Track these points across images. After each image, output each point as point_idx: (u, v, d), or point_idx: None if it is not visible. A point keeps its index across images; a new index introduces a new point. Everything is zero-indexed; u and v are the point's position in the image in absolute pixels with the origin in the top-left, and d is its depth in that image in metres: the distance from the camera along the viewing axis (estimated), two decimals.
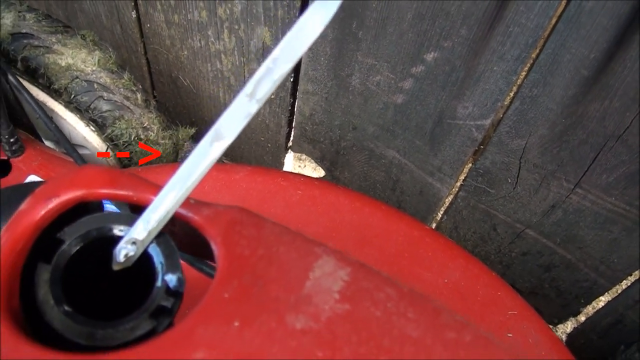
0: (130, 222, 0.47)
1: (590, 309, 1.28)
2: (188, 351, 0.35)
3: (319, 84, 1.14)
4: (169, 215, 0.43)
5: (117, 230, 0.46)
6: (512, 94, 0.94)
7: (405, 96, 1.04)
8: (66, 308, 0.41)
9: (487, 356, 0.42)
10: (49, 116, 1.03)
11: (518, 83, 0.91)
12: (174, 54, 1.34)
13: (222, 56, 1.24)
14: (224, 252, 0.42)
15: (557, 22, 0.81)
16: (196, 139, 1.51)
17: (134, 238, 0.44)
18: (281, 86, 1.20)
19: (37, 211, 0.43)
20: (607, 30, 0.77)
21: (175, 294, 0.44)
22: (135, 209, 0.48)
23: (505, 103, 0.95)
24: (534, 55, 0.86)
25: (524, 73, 0.89)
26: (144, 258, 0.45)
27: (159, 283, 0.44)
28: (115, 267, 0.45)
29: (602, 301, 1.25)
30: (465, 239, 1.28)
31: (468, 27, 0.87)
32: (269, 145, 1.40)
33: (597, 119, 0.88)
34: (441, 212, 1.27)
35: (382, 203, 0.93)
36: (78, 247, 0.45)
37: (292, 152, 1.40)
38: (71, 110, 1.17)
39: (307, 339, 0.38)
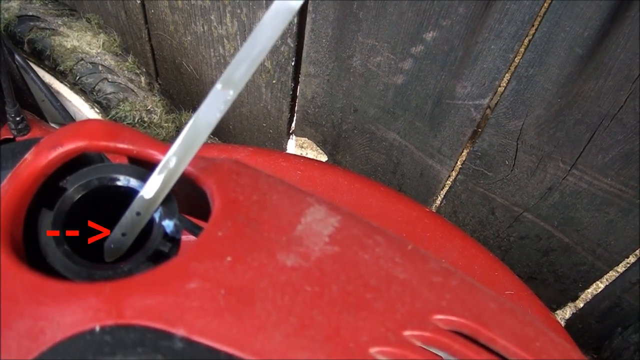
0: (131, 174, 0.48)
1: (588, 295, 1.29)
2: (183, 281, 0.37)
3: (320, 66, 1.16)
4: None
5: (117, 180, 0.48)
6: (508, 74, 0.95)
7: (405, 77, 1.06)
8: (67, 249, 0.43)
9: (473, 299, 0.43)
10: (54, 95, 1.05)
11: (515, 62, 0.93)
12: (177, 40, 1.36)
13: (225, 41, 1.25)
14: (219, 196, 0.43)
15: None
16: None
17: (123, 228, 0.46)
18: (282, 70, 1.22)
19: (41, 158, 0.45)
20: (600, 8, 0.79)
21: (172, 239, 0.46)
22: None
23: (503, 83, 0.97)
24: (530, 33, 0.88)
25: (521, 51, 0.91)
26: None
27: (156, 228, 0.46)
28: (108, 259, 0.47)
29: (599, 287, 1.26)
30: (464, 223, 1.29)
31: (466, 5, 0.88)
32: (271, 131, 1.42)
33: (592, 98, 0.89)
34: (441, 196, 1.28)
35: (381, 184, 0.95)
36: (80, 195, 0.47)
37: (294, 138, 1.41)
38: (76, 92, 1.19)
39: (297, 275, 0.39)
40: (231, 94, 0.42)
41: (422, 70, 1.03)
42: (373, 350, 0.37)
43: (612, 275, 1.21)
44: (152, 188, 0.44)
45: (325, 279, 0.40)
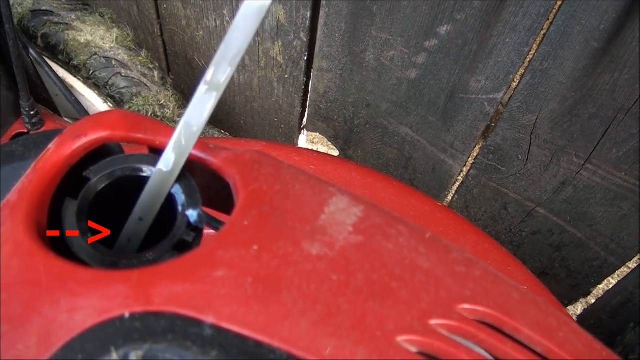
0: (154, 164, 0.48)
1: (600, 291, 1.29)
2: (210, 269, 0.37)
3: (333, 61, 1.16)
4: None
5: (140, 170, 0.48)
6: (523, 68, 0.95)
7: (419, 71, 1.05)
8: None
9: (497, 289, 0.43)
10: (68, 89, 1.05)
11: (530, 56, 0.92)
12: (189, 35, 1.36)
13: None
14: (242, 186, 0.43)
15: None
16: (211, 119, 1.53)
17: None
18: (295, 65, 1.22)
19: (65, 148, 0.45)
20: (616, 0, 0.79)
21: (196, 229, 0.46)
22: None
23: (517, 77, 0.97)
24: (545, 26, 0.87)
25: (535, 45, 0.90)
26: (167, 196, 0.47)
27: (180, 218, 0.46)
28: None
29: (611, 283, 1.26)
30: (476, 218, 1.29)
31: None
32: (282, 126, 1.42)
33: (607, 91, 0.89)
34: (453, 191, 1.28)
35: (393, 179, 0.95)
36: (104, 184, 0.47)
37: (305, 134, 1.41)
38: (89, 87, 1.19)
39: (322, 264, 0.39)
40: (214, 96, 0.43)
41: (435, 64, 1.02)
42: (400, 338, 0.37)
43: (624, 271, 1.21)
44: (148, 194, 0.45)
45: (350, 268, 0.40)
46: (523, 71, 0.95)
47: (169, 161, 0.44)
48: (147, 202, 0.46)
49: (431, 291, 0.40)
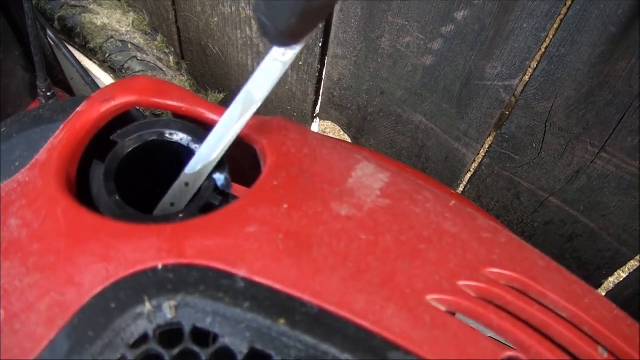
0: (181, 129, 0.49)
1: (610, 284, 1.29)
2: (242, 225, 0.37)
3: (348, 47, 1.16)
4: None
5: (167, 134, 0.48)
6: (539, 54, 0.95)
7: (434, 57, 1.06)
8: (118, 199, 0.44)
9: (523, 255, 0.43)
10: (85, 71, 1.05)
11: (546, 42, 0.92)
12: (204, 21, 1.36)
13: (252, 22, 1.26)
14: (271, 149, 0.44)
15: None
16: (225, 103, 1.54)
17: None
18: (309, 52, 1.22)
19: (94, 111, 0.46)
20: None
21: (222, 193, 0.47)
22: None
23: (534, 63, 0.97)
24: (563, 11, 0.87)
25: (552, 31, 0.90)
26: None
27: (207, 181, 0.46)
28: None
29: (622, 275, 1.26)
30: (489, 208, 1.29)
31: None
32: (295, 114, 1.42)
33: (624, 78, 0.89)
34: (465, 180, 1.28)
35: (406, 165, 0.95)
36: (131, 148, 0.47)
37: (317, 122, 1.42)
38: (105, 70, 1.20)
39: (351, 224, 0.40)
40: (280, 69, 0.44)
41: (451, 50, 1.02)
42: (429, 297, 0.37)
43: (634, 264, 1.21)
44: (198, 162, 0.45)
45: (379, 229, 0.40)
46: (540, 57, 0.95)
47: (226, 129, 0.45)
48: (178, 191, 0.47)
49: (459, 254, 0.41)
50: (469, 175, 1.26)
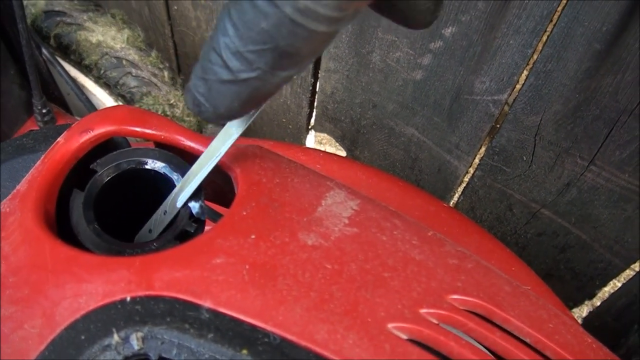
0: (159, 158, 0.50)
1: (605, 293, 1.29)
2: (209, 256, 0.39)
3: (340, 62, 1.17)
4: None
5: (145, 163, 0.50)
6: (527, 70, 0.96)
7: (424, 72, 1.07)
8: (96, 227, 0.45)
9: (488, 281, 0.44)
10: (80, 88, 1.07)
11: (533, 58, 0.93)
12: (199, 36, 1.38)
13: None
14: (243, 178, 0.45)
15: None
16: None
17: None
18: None
19: (73, 142, 0.47)
20: (618, 2, 0.80)
21: (197, 220, 0.48)
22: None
23: (521, 78, 0.98)
24: (549, 29, 0.88)
25: (539, 47, 0.91)
26: (171, 188, 0.49)
27: (183, 209, 0.48)
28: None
29: (616, 285, 1.26)
30: (482, 219, 1.30)
31: (485, 0, 0.89)
32: (290, 126, 1.44)
33: (610, 93, 0.90)
34: (458, 192, 1.29)
35: (399, 179, 0.96)
36: (110, 177, 0.49)
37: (313, 134, 1.43)
38: (100, 86, 1.21)
39: (317, 253, 0.41)
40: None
41: (440, 65, 1.04)
42: (390, 325, 0.38)
43: (629, 273, 1.21)
44: (178, 193, 0.47)
45: (344, 258, 0.41)
46: (527, 73, 0.96)
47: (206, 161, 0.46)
48: (157, 219, 0.48)
49: (423, 281, 0.42)
50: (461, 186, 1.27)
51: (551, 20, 0.88)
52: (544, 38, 0.90)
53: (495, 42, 0.94)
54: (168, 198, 0.48)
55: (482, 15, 0.92)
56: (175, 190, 0.48)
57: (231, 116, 0.36)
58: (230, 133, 0.44)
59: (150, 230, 0.49)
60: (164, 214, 0.48)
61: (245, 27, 0.31)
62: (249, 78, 0.32)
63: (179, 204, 0.47)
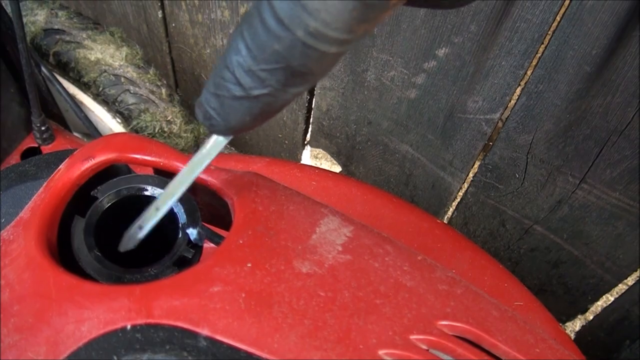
0: (157, 184, 0.52)
1: (597, 308, 1.31)
2: (207, 285, 0.40)
3: (335, 80, 1.19)
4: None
5: (144, 190, 0.51)
6: (519, 90, 0.98)
7: (418, 91, 1.09)
8: (97, 254, 0.46)
9: (477, 307, 0.46)
10: (78, 106, 1.09)
11: (525, 79, 0.95)
12: (197, 53, 1.40)
13: None
14: (239, 206, 0.46)
15: (561, 19, 0.85)
16: None
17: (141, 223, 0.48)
18: None
19: (74, 169, 0.49)
20: (607, 27, 0.81)
21: (195, 246, 0.49)
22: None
23: (513, 98, 1.00)
24: (540, 51, 0.90)
25: (530, 69, 0.93)
26: (169, 215, 0.50)
27: (181, 236, 0.49)
28: (122, 249, 0.50)
29: (609, 299, 1.28)
30: (475, 235, 1.31)
31: (477, 23, 0.91)
32: (286, 142, 1.45)
33: (600, 114, 0.92)
34: (452, 208, 1.31)
35: (393, 196, 0.97)
36: (110, 203, 0.50)
37: (309, 149, 1.45)
38: (99, 103, 1.23)
39: (311, 281, 0.42)
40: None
41: (434, 85, 1.06)
42: (381, 352, 0.40)
43: (621, 288, 1.23)
44: (172, 186, 0.47)
45: (337, 285, 0.43)
46: (519, 93, 0.98)
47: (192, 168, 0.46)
48: (149, 214, 0.48)
49: (413, 308, 0.43)
50: (455, 202, 1.29)
51: (542, 43, 0.90)
52: (535, 61, 0.92)
53: (487, 63, 0.96)
54: (160, 195, 0.48)
55: (475, 37, 0.93)
56: (169, 185, 0.47)
57: (242, 129, 0.37)
58: (208, 153, 0.45)
59: (140, 226, 0.49)
60: (156, 210, 0.49)
61: (257, 48, 0.32)
62: (261, 94, 0.34)
63: (172, 200, 0.47)
